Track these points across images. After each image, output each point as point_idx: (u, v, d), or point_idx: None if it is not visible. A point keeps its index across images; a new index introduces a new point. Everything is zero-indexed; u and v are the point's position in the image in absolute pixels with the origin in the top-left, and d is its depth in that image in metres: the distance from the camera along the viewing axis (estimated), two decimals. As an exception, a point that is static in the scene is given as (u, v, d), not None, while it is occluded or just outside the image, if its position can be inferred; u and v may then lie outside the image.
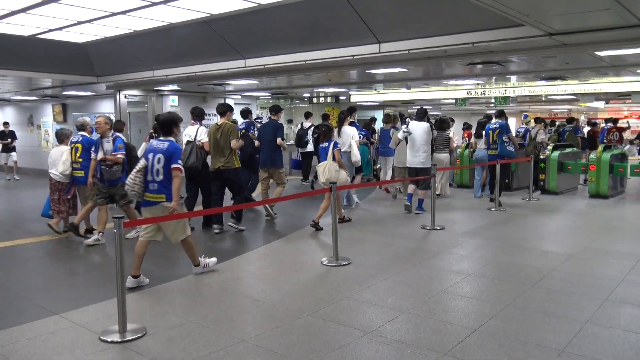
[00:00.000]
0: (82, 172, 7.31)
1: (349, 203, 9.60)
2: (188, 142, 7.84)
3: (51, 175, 7.53)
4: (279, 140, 8.47)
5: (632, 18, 5.42)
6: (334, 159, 7.62)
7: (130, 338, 3.89)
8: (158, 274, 5.75)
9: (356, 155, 8.78)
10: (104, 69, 11.21)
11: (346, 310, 4.51)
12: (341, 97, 17.31)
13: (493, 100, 16.30)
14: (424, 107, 10.35)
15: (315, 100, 17.51)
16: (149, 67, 10.44)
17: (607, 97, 17.61)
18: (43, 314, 4.42)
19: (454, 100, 16.75)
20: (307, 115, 12.74)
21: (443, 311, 4.48)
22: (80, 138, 7.45)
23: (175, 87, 12.69)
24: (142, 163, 5.25)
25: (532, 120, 13.28)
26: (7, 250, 6.85)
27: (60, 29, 8.50)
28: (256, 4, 6.93)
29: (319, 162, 7.98)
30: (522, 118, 15.33)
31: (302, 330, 4.08)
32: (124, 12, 7.38)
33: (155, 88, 12.96)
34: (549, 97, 16.79)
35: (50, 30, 8.65)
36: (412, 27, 6.99)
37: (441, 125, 10.68)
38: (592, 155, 10.73)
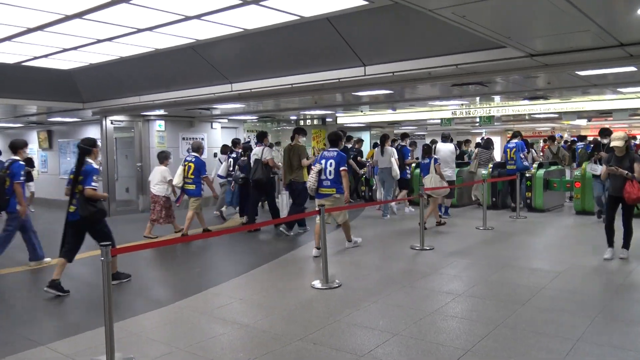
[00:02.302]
0: (194, 186, 9.04)
1: (385, 213, 10.94)
2: (256, 160, 9.53)
3: (151, 189, 9.31)
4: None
5: (610, 39, 5.56)
6: (435, 172, 9.41)
7: (118, 368, 3.82)
8: (146, 301, 5.68)
9: (395, 171, 10.57)
10: (90, 95, 11.19)
11: (337, 334, 4.47)
12: (328, 119, 17.42)
13: (478, 119, 16.48)
14: (449, 131, 12.38)
15: (302, 122, 17.59)
16: (136, 92, 10.44)
17: (589, 115, 17.89)
18: (29, 345, 4.33)
19: (439, 121, 16.92)
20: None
21: (435, 332, 4.46)
22: (194, 158, 9.12)
23: (162, 112, 12.68)
24: (318, 167, 7.46)
25: (542, 140, 14.22)
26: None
27: (46, 56, 8.49)
28: (242, 30, 6.99)
29: (422, 175, 9.75)
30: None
31: (293, 355, 4.04)
32: (109, 39, 7.40)
33: (142, 113, 12.94)
34: (532, 115, 17.02)
35: (35, 58, 8.64)
36: (397, 50, 7.09)
37: (487, 145, 12.56)
38: (577, 173, 10.85)
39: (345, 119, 17.41)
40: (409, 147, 11.93)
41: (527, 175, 11.28)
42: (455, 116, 16.02)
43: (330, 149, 7.67)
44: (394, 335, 4.37)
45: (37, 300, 5.96)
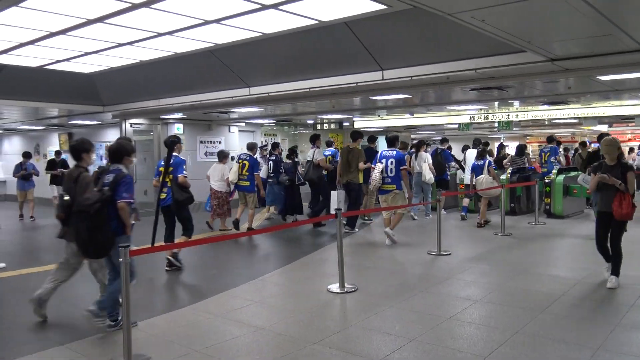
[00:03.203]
0: (248, 182, 9.73)
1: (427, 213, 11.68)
2: (308, 161, 10.61)
3: (211, 185, 9.95)
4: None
5: (632, 43, 5.47)
6: (489, 173, 10.01)
7: (135, 369, 3.85)
8: (164, 302, 5.73)
9: (425, 176, 11.11)
10: (110, 99, 11.34)
11: (353, 339, 4.45)
12: (345, 124, 17.41)
13: (496, 124, 16.34)
14: (479, 137, 13.62)
15: (319, 126, 17.61)
16: (155, 96, 10.56)
17: (610, 120, 17.63)
18: (48, 345, 4.39)
19: (457, 125, 16.81)
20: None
21: (451, 338, 4.43)
22: (248, 157, 9.83)
23: (180, 115, 12.80)
24: (380, 166, 8.24)
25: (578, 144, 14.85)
26: (12, 280, 6.83)
27: (67, 59, 8.62)
28: (260, 34, 7.03)
29: (475, 176, 10.26)
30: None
31: (309, 359, 4.03)
32: (130, 43, 7.49)
33: (161, 116, 13.07)
34: (551, 120, 16.82)
35: (57, 61, 8.77)
36: (415, 54, 7.07)
37: (520, 151, 12.82)
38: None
39: (362, 123, 17.38)
40: (448, 150, 12.52)
41: (546, 180, 11.17)
42: (473, 121, 15.91)
43: (388, 149, 8.50)
44: (410, 340, 4.34)
45: (57, 300, 6.03)
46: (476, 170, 10.34)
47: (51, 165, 13.55)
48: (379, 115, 15.67)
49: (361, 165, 9.59)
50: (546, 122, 18.25)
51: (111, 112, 11.95)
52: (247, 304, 5.55)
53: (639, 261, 7.13)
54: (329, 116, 15.06)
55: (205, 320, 5.03)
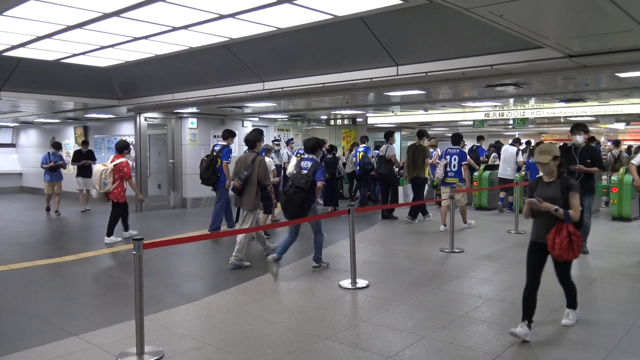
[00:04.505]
0: None
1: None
2: (380, 156, 11.05)
3: None
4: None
5: (653, 39, 5.38)
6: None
7: (147, 361, 3.88)
8: (177, 296, 5.76)
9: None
10: (125, 93, 11.40)
11: (364, 335, 4.45)
12: (358, 119, 17.36)
13: (511, 121, 16.19)
14: (518, 136, 14.42)
15: (332, 122, 17.58)
16: (169, 90, 10.60)
17: (628, 118, 17.40)
18: (62, 335, 4.43)
19: (471, 122, 16.69)
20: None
21: (464, 336, 4.40)
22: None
23: (194, 109, 12.84)
24: (444, 161, 9.47)
25: (610, 143, 15.00)
26: (26, 272, 6.91)
27: (83, 53, 8.68)
28: (275, 28, 7.02)
29: (531, 173, 10.88)
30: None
31: (320, 354, 4.03)
32: (145, 37, 7.52)
33: (175, 111, 13.12)
34: (567, 118, 16.62)
35: (74, 55, 8.83)
36: (430, 50, 7.01)
37: None
38: (614, 178, 10.56)
39: (375, 119, 17.32)
40: (483, 148, 13.82)
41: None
42: (488, 118, 15.77)
43: (452, 147, 9.59)
44: (422, 337, 4.33)
45: (71, 291, 6.10)
46: (531, 167, 10.97)
47: (77, 156, 13.18)
48: (392, 111, 15.61)
49: (428, 161, 10.49)
50: (562, 120, 18.04)
51: (126, 105, 12.02)
52: (259, 299, 5.57)
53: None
54: (343, 112, 15.03)
55: (217, 314, 5.05)
